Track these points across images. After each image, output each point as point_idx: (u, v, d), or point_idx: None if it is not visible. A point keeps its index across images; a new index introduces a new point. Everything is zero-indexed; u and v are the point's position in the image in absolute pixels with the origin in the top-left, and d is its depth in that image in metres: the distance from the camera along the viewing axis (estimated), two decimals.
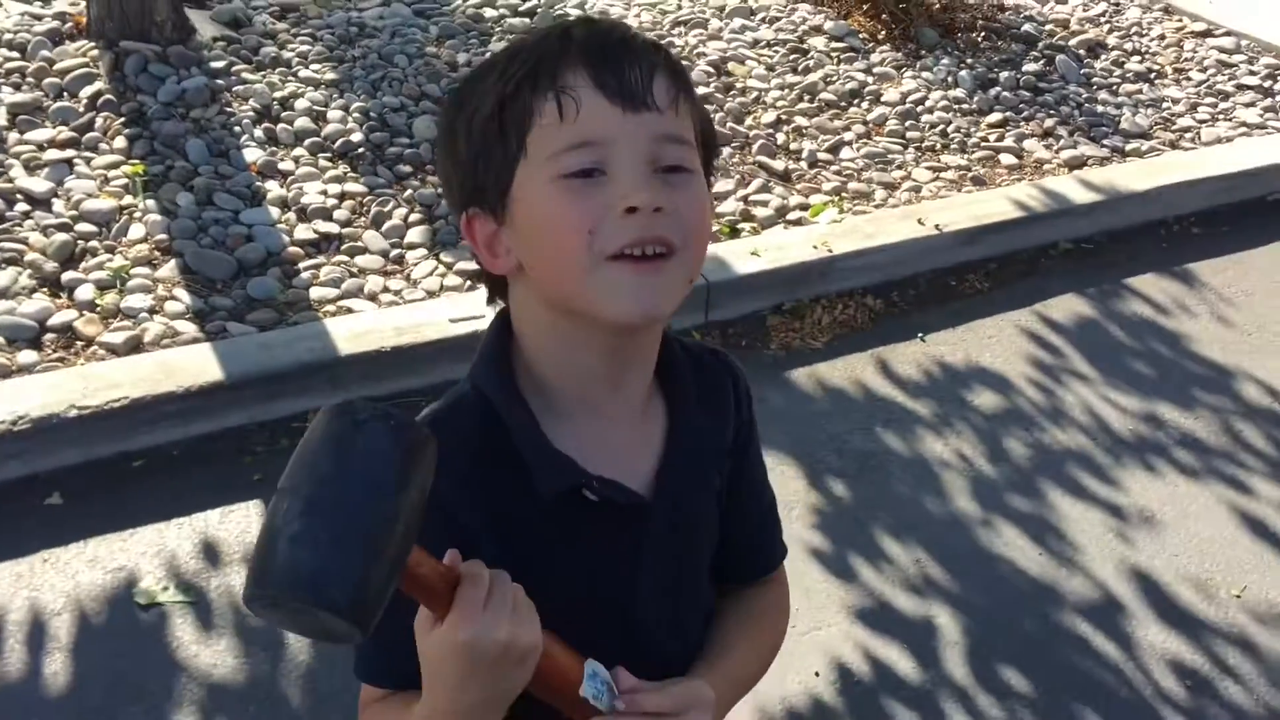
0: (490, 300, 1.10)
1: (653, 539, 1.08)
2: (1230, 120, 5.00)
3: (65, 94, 4.06)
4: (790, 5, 5.47)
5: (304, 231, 3.65)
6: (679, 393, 1.11)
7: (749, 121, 4.55)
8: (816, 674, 2.54)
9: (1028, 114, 4.86)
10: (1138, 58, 5.47)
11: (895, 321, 3.74)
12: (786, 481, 3.06)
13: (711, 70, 4.80)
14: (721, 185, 4.14)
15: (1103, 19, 5.82)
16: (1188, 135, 4.86)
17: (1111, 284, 4.01)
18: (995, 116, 4.79)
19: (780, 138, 4.47)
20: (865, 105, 4.77)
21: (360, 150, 4.03)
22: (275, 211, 3.72)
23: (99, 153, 3.84)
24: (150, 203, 3.65)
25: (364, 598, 0.80)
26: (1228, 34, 5.74)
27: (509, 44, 1.04)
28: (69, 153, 3.81)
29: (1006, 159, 4.53)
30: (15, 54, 4.22)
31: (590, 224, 0.93)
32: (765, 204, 4.06)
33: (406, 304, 3.42)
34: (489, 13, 5.03)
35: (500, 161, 0.97)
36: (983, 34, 5.42)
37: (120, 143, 3.88)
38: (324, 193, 3.81)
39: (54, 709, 2.36)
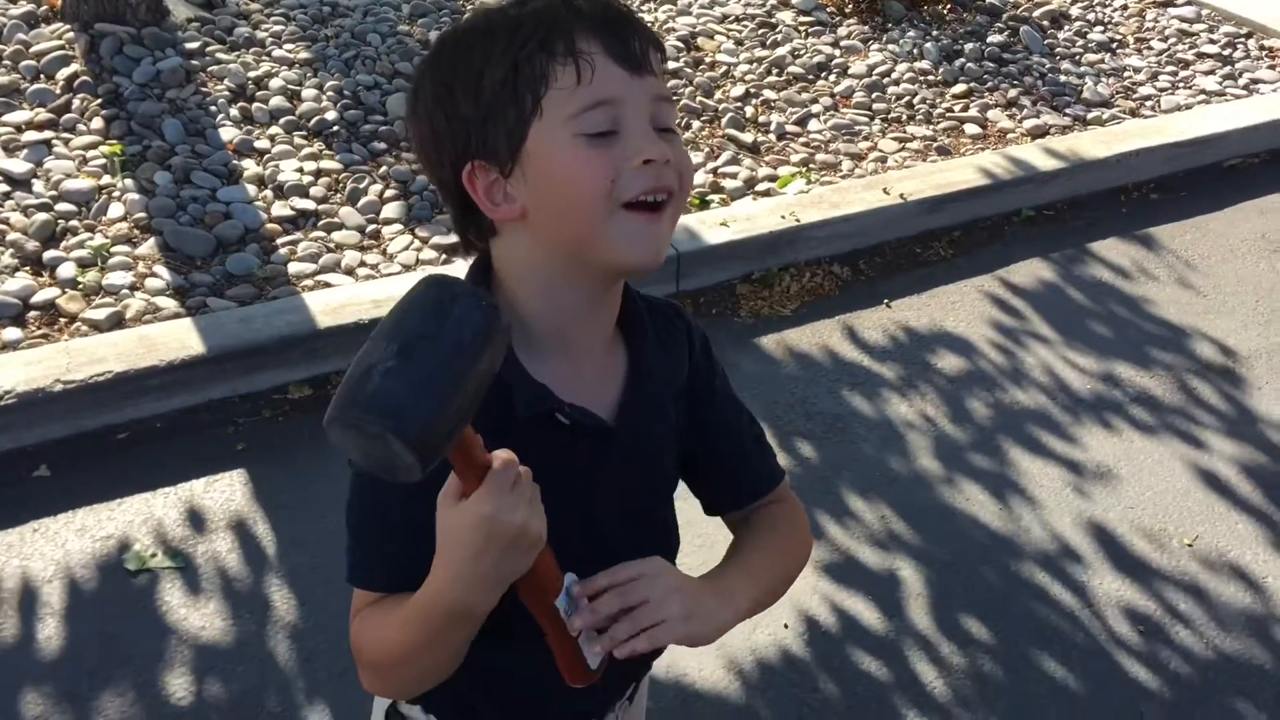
0: (466, 251, 1.19)
1: (613, 463, 1.18)
2: (1190, 88, 5.10)
3: (42, 76, 4.10)
4: None
5: (281, 208, 3.71)
6: (638, 335, 1.22)
7: (718, 95, 4.62)
8: (785, 626, 2.64)
9: (992, 84, 4.95)
10: (1100, 28, 5.57)
11: (861, 288, 3.84)
12: None
13: (681, 45, 4.87)
14: (691, 157, 4.21)
15: None
16: (1148, 103, 4.96)
17: (1073, 249, 4.11)
18: (960, 87, 4.87)
19: (749, 111, 4.55)
20: (832, 78, 4.85)
21: (335, 128, 4.09)
22: (252, 189, 3.77)
23: (77, 133, 3.89)
24: (129, 182, 3.70)
25: (432, 439, 0.89)
26: (1189, 3, 5.84)
27: (493, 12, 1.11)
28: (47, 134, 3.86)
29: (971, 129, 4.63)
30: None
31: (611, 173, 1.06)
32: (734, 175, 4.15)
33: (383, 278, 3.49)
34: None
35: (515, 121, 1.07)
36: (948, 6, 5.50)
37: (97, 123, 3.93)
38: (300, 170, 3.87)
39: (48, 672, 2.44)
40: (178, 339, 3.13)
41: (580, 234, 1.09)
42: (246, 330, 3.19)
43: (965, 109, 4.75)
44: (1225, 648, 2.66)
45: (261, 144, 3.98)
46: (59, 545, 2.72)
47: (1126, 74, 5.18)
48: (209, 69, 4.26)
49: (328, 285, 3.44)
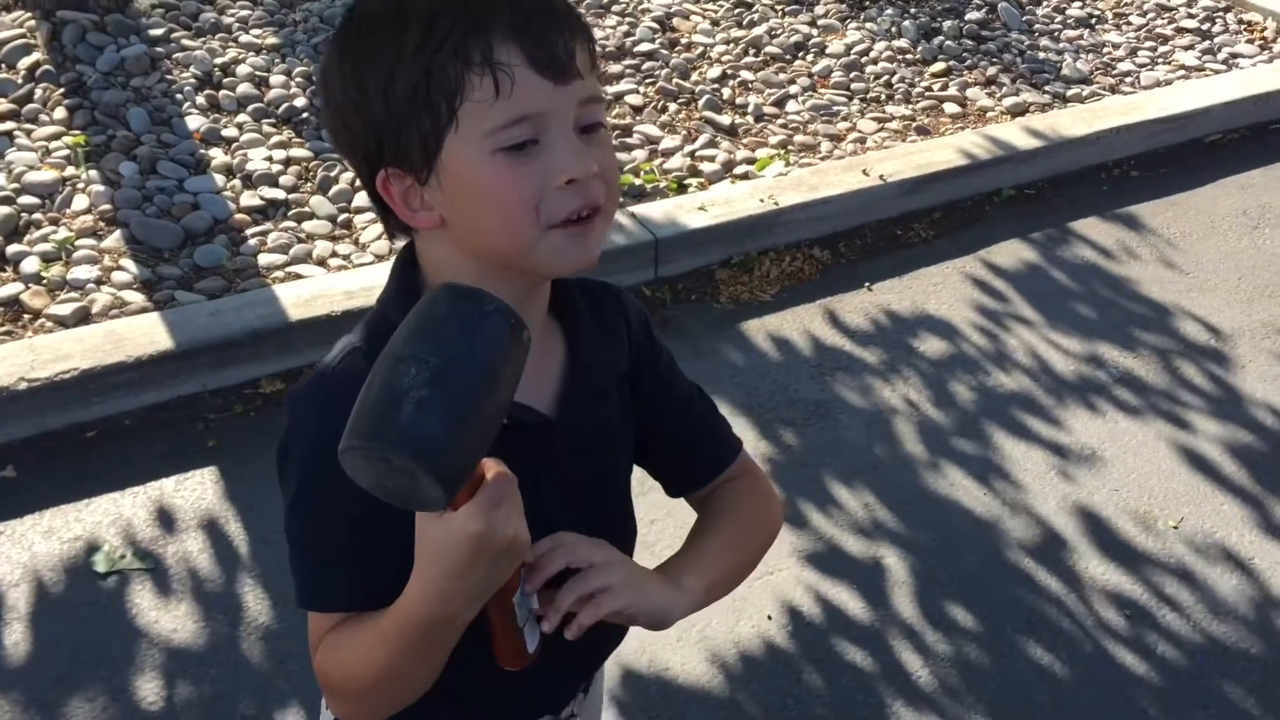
0: (391, 237, 1.14)
1: (556, 457, 1.13)
2: (1169, 64, 5.07)
3: (3, 65, 4.01)
4: None
5: (250, 198, 3.64)
6: (574, 322, 1.17)
7: (695, 77, 4.56)
8: (769, 617, 2.61)
9: (971, 63, 4.90)
10: (1079, 4, 5.52)
11: (842, 272, 3.79)
12: (738, 431, 3.05)
13: (656, 26, 4.81)
14: (668, 141, 4.16)
15: None
16: (1128, 80, 4.92)
17: (1054, 229, 4.07)
18: (939, 66, 4.83)
19: (726, 92, 4.49)
20: (810, 58, 4.80)
21: (304, 115, 4.01)
22: (220, 179, 3.70)
23: (39, 124, 3.81)
24: (93, 173, 3.62)
25: (463, 472, 0.86)
26: None
27: None
28: (9, 125, 3.77)
29: (950, 108, 4.58)
30: None
31: (534, 198, 0.99)
32: (712, 159, 4.09)
33: (356, 268, 3.43)
34: None
35: (429, 130, 0.99)
36: None
37: (60, 113, 3.84)
38: (269, 159, 3.80)
39: (16, 678, 2.38)
40: (145, 334, 3.07)
41: (504, 249, 1.04)
42: (216, 324, 3.13)
43: (944, 88, 4.71)
44: (1213, 631, 2.63)
45: (229, 132, 3.90)
46: (25, 548, 2.66)
47: (1105, 50, 5.14)
48: (174, 56, 4.17)
49: (299, 276, 3.38)
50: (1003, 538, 2.84)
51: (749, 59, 4.71)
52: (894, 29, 5.04)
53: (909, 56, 4.88)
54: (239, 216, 3.56)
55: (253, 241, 3.49)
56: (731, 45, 4.78)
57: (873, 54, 4.86)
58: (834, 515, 2.89)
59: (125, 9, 4.34)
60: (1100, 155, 4.43)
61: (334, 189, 3.71)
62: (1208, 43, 5.26)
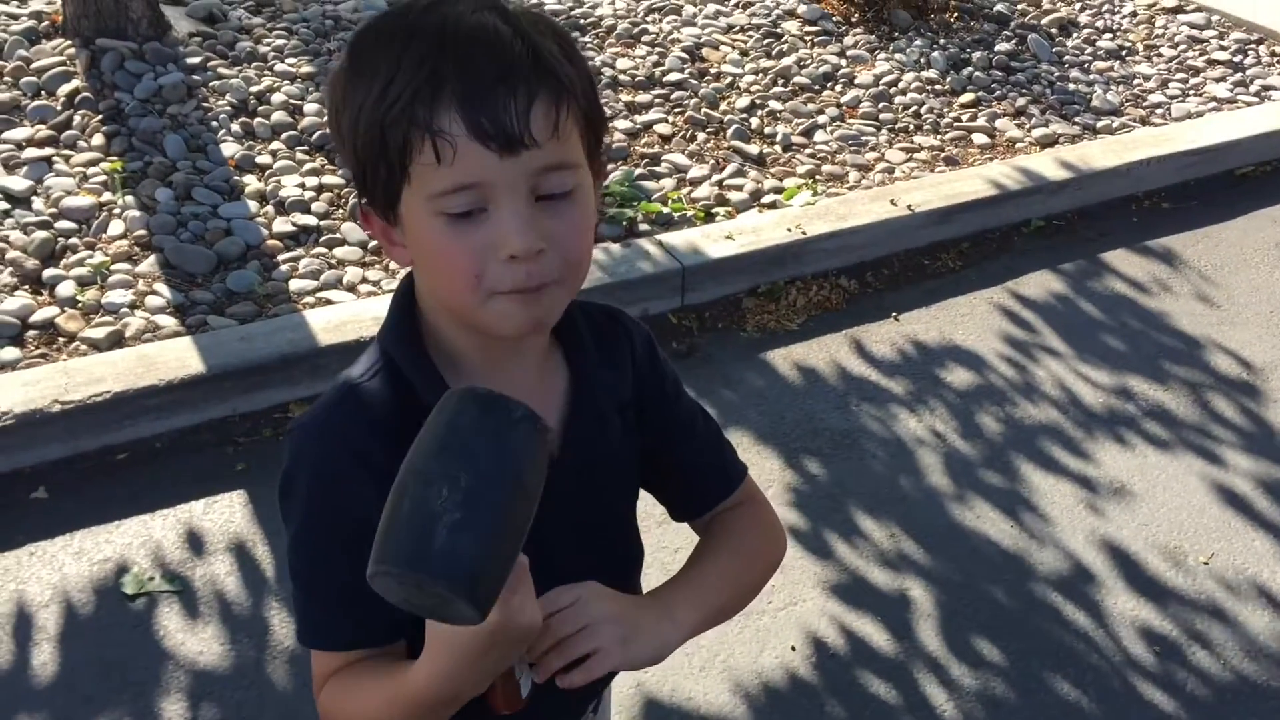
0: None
1: (562, 486, 1.10)
2: (1200, 95, 5.05)
3: (43, 92, 4.08)
4: None
5: (282, 224, 3.68)
6: (578, 349, 1.16)
7: (723, 106, 4.58)
8: (793, 648, 2.60)
9: (1000, 93, 4.90)
10: (1109, 35, 5.52)
11: (869, 301, 3.79)
12: (763, 460, 3.10)
13: (686, 56, 4.84)
14: (696, 170, 4.18)
15: None
16: (1158, 111, 4.91)
17: (1083, 260, 4.06)
18: (968, 96, 4.83)
19: (754, 122, 4.51)
20: (839, 88, 4.81)
21: None
22: (253, 205, 3.75)
23: (77, 150, 3.87)
24: (129, 199, 3.67)
25: (495, 592, 0.85)
26: (1198, 9, 5.79)
27: (392, 24, 0.99)
28: (47, 151, 3.84)
29: (979, 138, 4.58)
30: None
31: (476, 268, 0.98)
32: (740, 188, 4.11)
33: (385, 294, 3.46)
34: None
35: (386, 179, 0.99)
36: (955, 15, 5.46)
37: (98, 140, 3.90)
38: (302, 185, 3.84)
39: (44, 699, 2.40)
40: (177, 358, 3.10)
41: (451, 306, 1.04)
42: (247, 348, 3.16)
43: (973, 118, 4.71)
44: (1243, 669, 2.60)
45: (263, 159, 3.95)
46: (56, 569, 2.69)
47: (1136, 81, 5.13)
48: (210, 84, 4.23)
49: (329, 302, 3.41)
50: (1030, 571, 2.82)
51: (778, 89, 4.73)
52: (923, 60, 5.05)
53: (938, 87, 4.88)
54: (271, 242, 3.61)
55: (284, 267, 3.52)
56: (760, 75, 4.80)
57: (901, 84, 4.87)
58: (859, 546, 2.87)
59: (163, 38, 4.41)
60: (1130, 187, 4.42)
61: None
62: (1239, 75, 5.24)
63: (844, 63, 4.97)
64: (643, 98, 4.54)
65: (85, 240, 3.53)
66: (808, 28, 5.20)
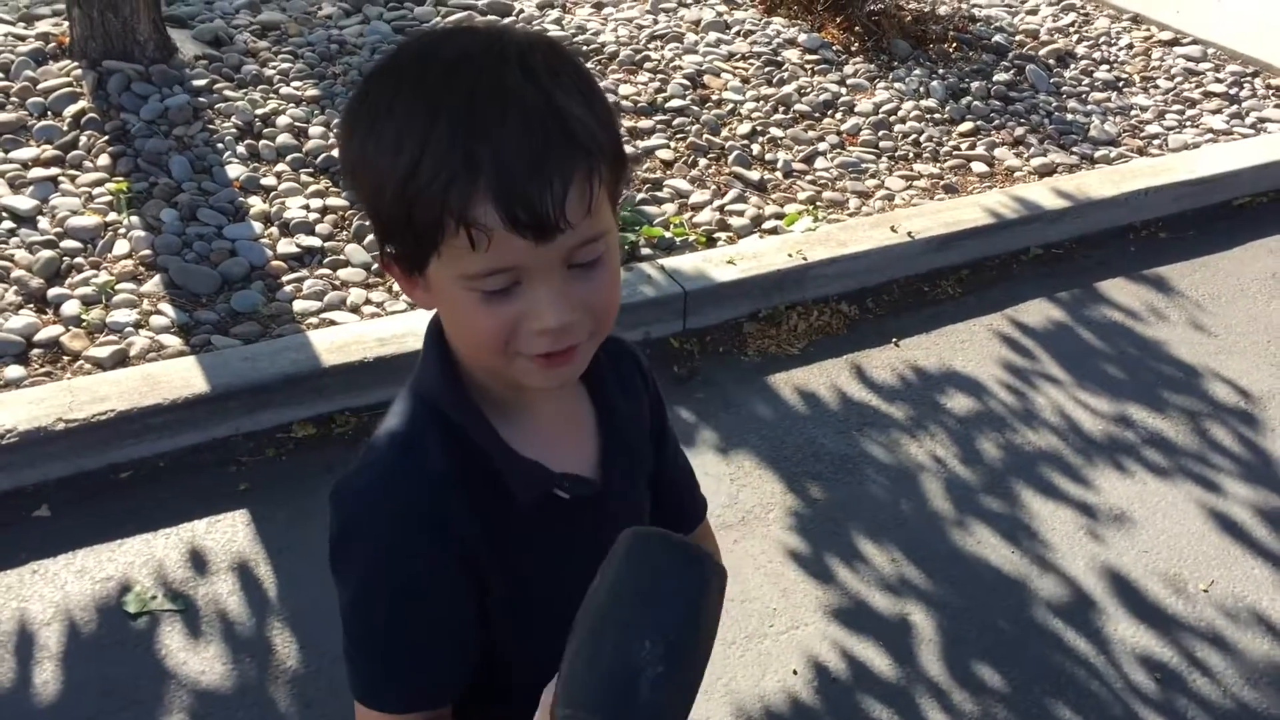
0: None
1: (609, 517, 1.13)
2: (1197, 127, 5.10)
3: (49, 113, 4.10)
4: (764, 19, 5.56)
5: (286, 246, 3.70)
6: (600, 383, 1.16)
7: (725, 133, 4.62)
8: (794, 672, 2.60)
9: (998, 123, 4.94)
10: (1106, 67, 5.57)
11: (870, 327, 3.81)
12: (764, 484, 3.11)
13: (688, 83, 4.88)
14: (698, 195, 4.21)
15: (1072, 29, 5.92)
16: (1155, 142, 4.95)
17: (1081, 288, 4.08)
18: (966, 125, 4.87)
19: (755, 148, 4.54)
20: (839, 116, 4.85)
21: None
22: (258, 226, 3.76)
23: (83, 170, 3.89)
24: (134, 219, 3.69)
25: None
26: (1194, 42, 5.85)
27: (414, 85, 0.94)
28: (54, 170, 3.85)
29: (978, 167, 4.61)
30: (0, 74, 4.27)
31: (505, 335, 0.97)
32: (741, 213, 4.13)
33: (388, 315, 3.47)
34: (478, 25, 5.08)
35: (414, 250, 0.97)
36: (954, 45, 5.51)
37: (104, 160, 3.92)
38: (306, 207, 3.86)
39: (46, 717, 2.39)
40: (181, 377, 3.11)
41: (480, 363, 1.04)
42: (251, 368, 3.17)
43: (972, 147, 4.75)
44: (1244, 696, 2.61)
45: (268, 181, 3.97)
46: (58, 587, 2.69)
47: (1133, 112, 5.18)
48: (216, 106, 4.26)
49: (333, 323, 3.42)
50: (1031, 597, 2.83)
51: (778, 116, 4.77)
52: (922, 89, 5.09)
53: (937, 116, 4.92)
54: (275, 263, 3.62)
55: (288, 288, 3.54)
56: (761, 103, 4.84)
57: (901, 113, 4.91)
58: (860, 571, 2.88)
59: (170, 60, 4.44)
60: (1128, 216, 4.45)
61: (369, 238, 3.77)
62: (1236, 106, 5.29)
63: (844, 91, 5.02)
64: (645, 123, 4.57)
65: (90, 260, 3.54)
66: (808, 56, 5.25)
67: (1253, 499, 3.17)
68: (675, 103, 4.72)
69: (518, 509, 1.06)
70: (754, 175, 4.38)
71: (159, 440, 3.05)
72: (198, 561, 2.77)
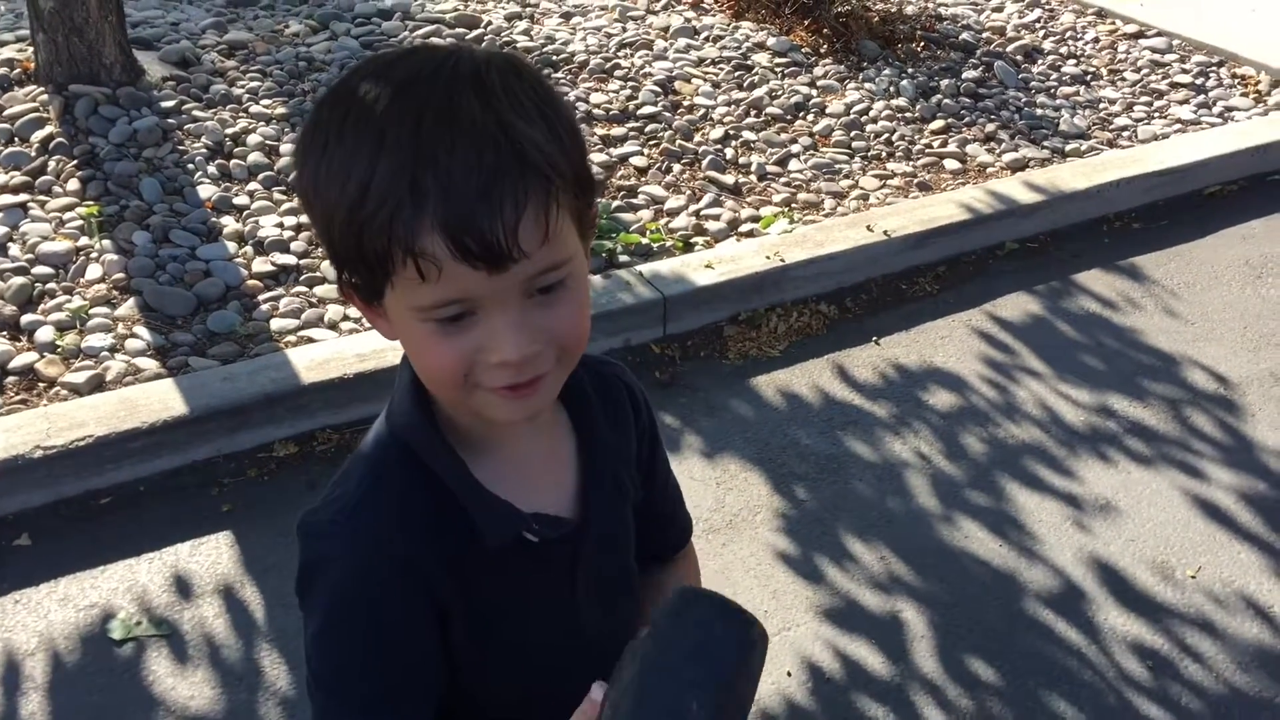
0: None
1: (586, 554, 1.11)
2: (1165, 118, 5.14)
3: (16, 139, 4.06)
4: (733, 24, 5.57)
5: (261, 264, 3.67)
6: (583, 410, 1.13)
7: (697, 138, 4.62)
8: (788, 674, 2.59)
9: (969, 120, 4.97)
10: (1073, 61, 5.61)
11: (849, 326, 3.82)
12: (750, 487, 3.11)
13: (659, 89, 4.88)
14: (673, 201, 4.21)
15: (1038, 25, 5.96)
16: (1125, 134, 4.99)
17: (1058, 281, 4.10)
18: (938, 123, 4.89)
19: (729, 152, 4.55)
20: (810, 117, 4.86)
21: None
22: (232, 246, 3.74)
23: (53, 195, 3.85)
24: (106, 243, 3.66)
25: None
26: (1159, 34, 5.89)
27: (363, 111, 0.89)
28: (23, 196, 3.82)
29: (950, 164, 4.63)
30: None
31: (464, 368, 0.94)
32: (717, 217, 4.13)
33: (367, 331, 3.45)
34: (435, 44, 5.08)
35: (367, 277, 0.92)
36: (922, 44, 5.54)
37: (74, 185, 3.89)
38: (280, 225, 3.84)
39: None
40: (159, 400, 3.08)
41: (441, 395, 1.01)
42: (229, 389, 3.14)
43: (944, 144, 4.77)
44: (1236, 680, 2.61)
45: (240, 200, 3.95)
46: (41, 616, 2.65)
47: (1102, 105, 5.21)
48: (185, 127, 4.23)
49: (311, 340, 3.40)
50: (1020, 590, 2.83)
51: (750, 119, 4.77)
52: (892, 88, 5.11)
53: (908, 115, 4.94)
54: (251, 282, 3.60)
55: (265, 307, 3.51)
56: (733, 107, 4.84)
57: (872, 113, 4.92)
58: (849, 570, 2.88)
59: (137, 82, 4.40)
60: (1101, 208, 4.48)
61: None
62: (1202, 97, 5.33)
63: (815, 93, 5.03)
64: (617, 131, 4.57)
65: (63, 285, 3.51)
66: (778, 59, 5.26)
67: (1236, 484, 3.19)
68: (647, 109, 4.72)
69: (486, 548, 1.04)
70: (728, 179, 4.38)
71: (138, 464, 3.02)
72: (182, 585, 2.74)
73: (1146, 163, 4.63)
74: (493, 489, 1.04)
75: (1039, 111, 5.09)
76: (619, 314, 3.57)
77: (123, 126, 4.14)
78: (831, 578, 2.85)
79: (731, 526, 2.98)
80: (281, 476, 3.06)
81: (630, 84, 4.90)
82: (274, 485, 3.03)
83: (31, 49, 4.41)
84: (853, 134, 4.76)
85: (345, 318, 3.51)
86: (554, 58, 5.02)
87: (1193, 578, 2.88)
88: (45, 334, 3.30)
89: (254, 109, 4.41)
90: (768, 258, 3.85)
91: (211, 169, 4.06)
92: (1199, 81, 5.46)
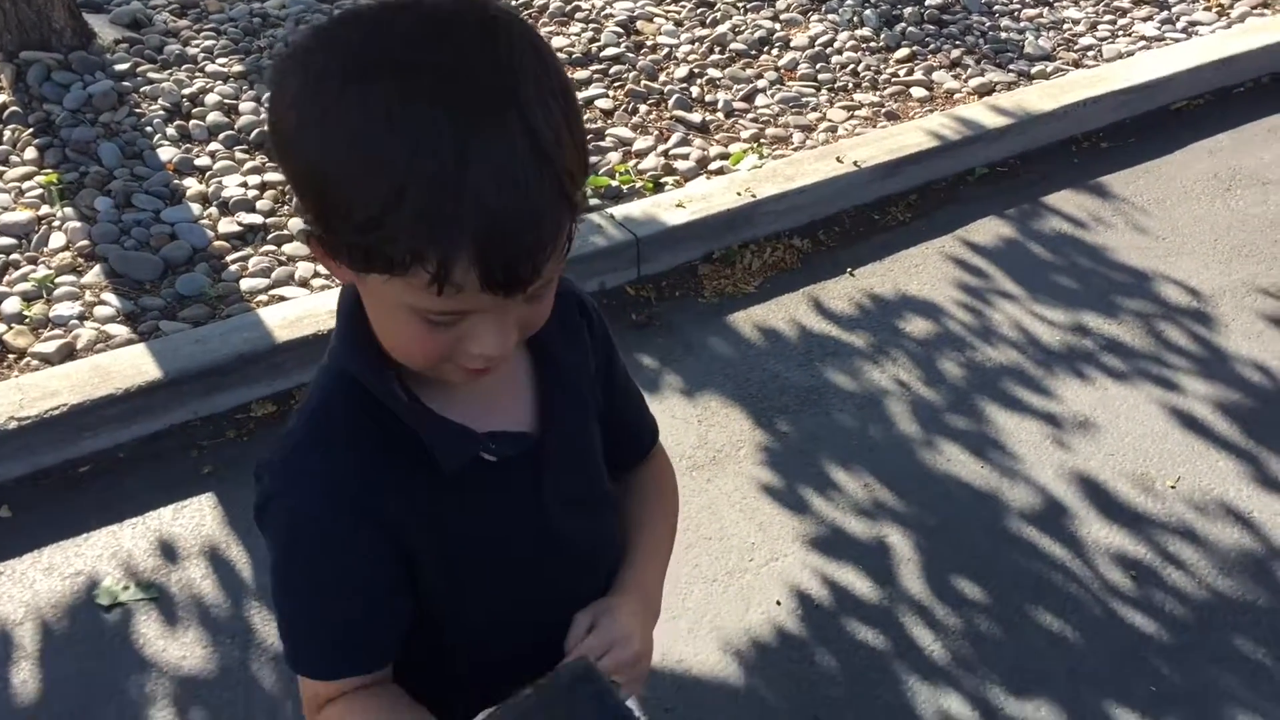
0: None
1: (550, 469, 1.12)
2: (1129, 35, 5.11)
3: None
4: None
5: (228, 225, 3.62)
6: (542, 330, 1.10)
7: (662, 77, 4.57)
8: (778, 603, 2.61)
9: (934, 47, 4.93)
10: None
11: (823, 259, 3.81)
12: (732, 423, 3.11)
13: (621, 30, 4.82)
14: (641, 141, 4.17)
15: None
16: (1090, 54, 4.97)
17: (1029, 203, 4.10)
18: (903, 52, 4.86)
19: (695, 90, 4.51)
20: (775, 52, 4.82)
21: None
22: (196, 208, 3.69)
23: (10, 165, 3.78)
24: (68, 210, 3.60)
25: None
26: None
27: (386, 96, 0.82)
28: None
29: (918, 92, 4.61)
30: None
31: (441, 356, 0.95)
32: (686, 156, 4.10)
33: (338, 286, 3.41)
34: None
35: (362, 261, 0.88)
36: None
37: (31, 153, 3.82)
38: (244, 184, 3.79)
39: (29, 716, 2.36)
40: (132, 366, 3.05)
41: (408, 365, 1.00)
42: (203, 351, 3.11)
43: (910, 73, 4.73)
44: (1218, 585, 2.65)
45: (202, 161, 3.89)
46: (27, 586, 2.64)
47: (1066, 26, 5.18)
48: (141, 90, 4.16)
49: (283, 299, 3.37)
50: (1004, 509, 2.86)
51: (715, 56, 4.73)
52: (856, 19, 5.07)
53: (872, 44, 4.91)
54: (218, 244, 3.55)
55: (234, 267, 3.47)
56: (696, 44, 4.79)
57: (837, 44, 4.88)
58: (834, 499, 2.89)
59: (89, 46, 4.32)
60: (1069, 129, 4.47)
61: None
62: (1166, 13, 5.31)
63: (778, 26, 4.98)
64: (581, 74, 4.52)
65: (27, 255, 3.46)
66: None
67: (1211, 394, 3.21)
68: (610, 51, 4.66)
69: (444, 475, 1.03)
70: (695, 117, 4.34)
71: (116, 431, 2.99)
72: (167, 549, 2.73)
73: (1112, 81, 4.61)
74: (445, 414, 1.04)
75: (1003, 35, 5.06)
76: (592, 257, 3.55)
77: (77, 92, 4.07)
78: (816, 507, 2.86)
79: (715, 462, 2.99)
80: (260, 436, 3.05)
81: (592, 26, 4.84)
82: (253, 445, 3.01)
83: None
84: (818, 66, 4.72)
85: (316, 274, 3.48)
86: (514, 2, 4.94)
87: (1172, 488, 2.91)
88: (11, 305, 3.25)
89: (210, 68, 4.34)
90: (738, 194, 3.83)
91: (171, 131, 4.00)
92: None
